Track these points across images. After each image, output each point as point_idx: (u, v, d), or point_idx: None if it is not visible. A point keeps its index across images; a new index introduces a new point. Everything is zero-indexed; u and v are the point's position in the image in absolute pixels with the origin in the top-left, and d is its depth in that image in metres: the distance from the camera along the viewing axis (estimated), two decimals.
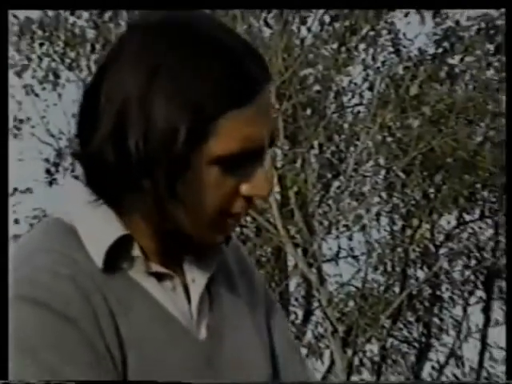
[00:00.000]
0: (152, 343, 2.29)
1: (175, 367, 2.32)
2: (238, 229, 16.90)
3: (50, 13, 19.10)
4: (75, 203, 2.35)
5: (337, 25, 18.31)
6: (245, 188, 2.27)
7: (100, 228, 2.27)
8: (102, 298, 2.24)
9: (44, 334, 2.16)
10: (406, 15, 18.34)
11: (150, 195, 2.23)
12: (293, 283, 19.32)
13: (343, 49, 18.35)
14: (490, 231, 19.20)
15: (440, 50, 18.79)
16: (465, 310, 19.59)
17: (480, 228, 19.19)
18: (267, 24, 18.20)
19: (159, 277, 2.35)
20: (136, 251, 2.32)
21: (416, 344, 19.69)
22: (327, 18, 18.48)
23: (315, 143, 18.27)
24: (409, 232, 18.58)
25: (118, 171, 2.22)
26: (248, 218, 17.96)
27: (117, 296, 2.28)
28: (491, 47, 18.65)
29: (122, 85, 2.19)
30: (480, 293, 19.53)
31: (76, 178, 2.36)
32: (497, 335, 19.71)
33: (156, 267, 2.34)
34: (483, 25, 18.81)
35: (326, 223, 18.46)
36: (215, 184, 2.24)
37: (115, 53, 2.26)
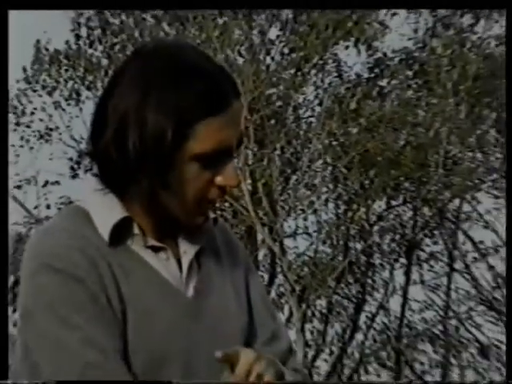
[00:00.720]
0: (147, 299, 2.25)
1: (167, 319, 2.27)
2: (218, 212, 16.85)
3: (74, 46, 18.95)
4: (88, 192, 2.33)
5: (294, 55, 18.22)
6: (218, 179, 2.24)
7: (107, 211, 2.26)
8: (107, 264, 2.22)
9: (59, 292, 2.17)
10: (347, 48, 18.31)
11: (145, 186, 2.21)
12: (261, 254, 19.08)
13: (299, 73, 18.21)
14: (410, 213, 19.22)
15: (372, 75, 18.69)
16: (391, 273, 19.36)
17: (403, 211, 19.07)
18: (240, 54, 18.10)
19: (155, 249, 2.30)
20: (135, 229, 2.28)
21: (354, 299, 19.53)
22: (286, 50, 18.42)
23: (278, 146, 18.12)
24: (349, 214, 18.40)
25: (120, 166, 2.21)
26: (226, 204, 17.84)
27: (119, 263, 2.24)
28: (410, 73, 18.64)
29: (123, 100, 2.19)
30: (402, 260, 19.40)
31: (94, 174, 2.33)
32: (414, 292, 19.65)
33: (152, 242, 2.30)
34: (404, 56, 18.78)
35: (286, 208, 18.33)
36: (195, 177, 2.22)
37: (119, 75, 2.27)
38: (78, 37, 19.11)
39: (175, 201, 2.26)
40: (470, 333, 19.93)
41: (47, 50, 19.09)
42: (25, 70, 19.20)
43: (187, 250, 2.35)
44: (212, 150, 2.23)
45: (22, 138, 19.56)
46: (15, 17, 22.51)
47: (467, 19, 19.01)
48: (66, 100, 18.90)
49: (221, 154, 2.25)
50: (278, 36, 18.50)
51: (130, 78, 2.25)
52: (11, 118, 19.43)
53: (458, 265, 19.70)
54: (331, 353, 19.24)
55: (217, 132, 2.22)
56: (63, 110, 19.04)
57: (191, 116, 2.20)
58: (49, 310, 2.20)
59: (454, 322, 20.01)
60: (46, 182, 19.24)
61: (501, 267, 19.34)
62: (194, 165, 2.24)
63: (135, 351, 2.22)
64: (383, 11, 18.45)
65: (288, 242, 18.68)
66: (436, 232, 19.52)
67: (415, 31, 19.07)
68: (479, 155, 18.75)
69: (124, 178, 2.26)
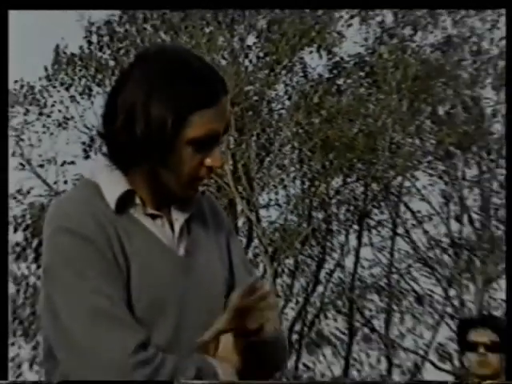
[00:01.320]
0: (146, 257, 2.22)
1: (163, 273, 2.24)
2: (205, 187, 16.86)
3: (86, 50, 18.98)
4: (98, 169, 2.31)
5: (267, 58, 18.24)
6: (207, 161, 2.23)
7: (113, 184, 2.25)
8: (113, 228, 2.20)
9: (73, 250, 2.16)
10: (311, 53, 18.40)
11: (148, 164, 2.21)
12: (240, 222, 19.16)
13: (272, 74, 18.24)
14: (362, 188, 19.25)
15: (331, 75, 18.73)
16: (346, 237, 19.54)
17: (356, 186, 19.17)
18: (223, 57, 18.10)
19: (153, 217, 2.28)
20: (137, 200, 2.26)
21: (316, 259, 19.64)
22: (261, 54, 18.42)
23: (254, 133, 18.18)
24: (313, 189, 18.48)
25: (127, 147, 2.20)
26: (212, 181, 17.85)
27: (123, 227, 2.22)
28: (362, 74, 18.71)
29: (131, 95, 2.18)
30: (355, 227, 19.51)
31: (103, 154, 2.32)
32: (365, 252, 19.79)
33: (150, 210, 2.27)
34: (357, 60, 18.86)
35: (261, 184, 18.39)
36: (189, 158, 2.21)
37: (126, 75, 2.26)
38: (89, 43, 19.09)
39: (172, 177, 2.24)
40: (409, 285, 20.06)
41: (65, 53, 19.07)
42: (46, 69, 19.17)
43: (179, 218, 2.32)
44: (203, 136, 2.21)
45: (43, 126, 19.54)
46: (35, 21, 22.23)
47: (408, 30, 19.09)
48: (80, 94, 18.91)
49: (210, 140, 2.23)
50: (254, 43, 18.56)
51: (136, 77, 2.23)
52: (35, 109, 19.48)
53: (400, 230, 19.82)
54: (297, 302, 19.34)
55: (208, 122, 2.21)
56: (78, 102, 19.03)
57: (187, 108, 2.19)
58: (65, 265, 2.18)
59: (396, 276, 20.12)
60: (64, 162, 19.29)
61: (433, 231, 19.51)
62: (188, 148, 2.21)
63: (138, 299, 2.19)
64: (340, 23, 18.52)
65: (262, 212, 18.73)
66: (382, 204, 19.62)
67: (366, 40, 19.17)
68: (417, 141, 18.85)
69: (130, 158, 2.23)
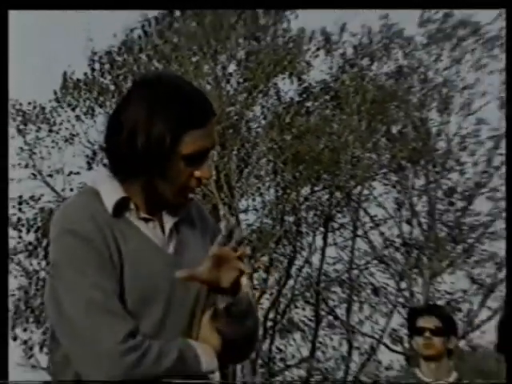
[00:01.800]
0: (139, 255, 2.21)
1: (153, 269, 2.22)
2: (193, 194, 16.82)
3: (90, 76, 18.99)
4: (99, 178, 2.29)
5: (246, 84, 18.25)
6: (197, 173, 2.21)
7: (111, 192, 2.24)
8: (110, 230, 2.19)
9: (75, 249, 2.15)
10: (283, 79, 18.48)
11: (146, 175, 2.19)
12: (222, 225, 19.10)
13: (250, 97, 18.25)
14: (327, 196, 19.19)
15: (301, 99, 18.75)
16: (313, 238, 19.47)
17: (322, 194, 19.15)
18: (208, 83, 18.09)
19: (146, 220, 2.25)
20: (132, 205, 2.23)
21: (288, 256, 19.45)
22: (241, 80, 18.43)
23: (235, 148, 18.20)
24: (285, 196, 18.51)
25: (128, 160, 2.19)
26: (198, 189, 17.79)
27: (119, 229, 2.21)
28: (327, 97, 18.75)
29: (133, 114, 2.17)
30: (322, 229, 19.48)
31: (104, 165, 2.32)
32: (329, 251, 19.83)
33: (143, 215, 2.25)
34: (323, 85, 18.90)
35: (240, 192, 18.40)
36: (182, 171, 2.20)
37: (127, 97, 2.25)
38: (93, 70, 19.07)
39: (167, 187, 2.22)
40: (367, 279, 20.08)
41: (71, 79, 19.06)
42: (55, 93, 19.19)
43: (169, 221, 2.29)
44: (195, 152, 2.20)
45: (53, 141, 19.53)
46: (46, 50, 22.02)
47: (366, 61, 19.15)
48: (84, 114, 18.91)
49: (200, 155, 2.21)
50: (234, 70, 18.55)
51: (137, 99, 2.22)
52: (45, 127, 19.51)
53: (360, 232, 19.80)
54: (271, 294, 19.28)
55: (199, 140, 2.20)
56: (82, 121, 19.02)
57: (182, 129, 2.18)
58: (68, 263, 2.17)
59: (356, 271, 20.12)
60: (70, 172, 19.27)
61: (388, 233, 19.53)
62: (181, 162, 2.19)
63: (130, 293, 2.17)
64: (308, 54, 18.58)
65: (241, 216, 18.69)
66: (344, 209, 19.62)
67: (330, 68, 19.23)
68: (374, 156, 18.89)
69: (130, 169, 2.21)
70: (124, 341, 2.09)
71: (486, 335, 18.47)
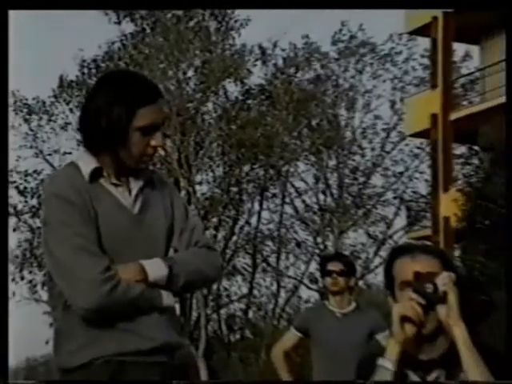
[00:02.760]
0: (111, 214, 2.14)
1: (121, 224, 2.15)
2: (159, 170, 16.75)
3: (80, 78, 18.82)
4: (79, 154, 2.25)
5: (201, 85, 18.26)
6: (152, 142, 2.15)
7: (87, 163, 2.18)
8: (88, 193, 2.14)
9: (60, 208, 2.12)
10: (229, 82, 18.49)
11: (111, 147, 2.14)
12: (182, 193, 19.03)
13: (204, 96, 18.21)
14: (262, 172, 19.10)
15: (243, 97, 18.73)
16: (252, 204, 19.51)
17: (259, 171, 19.04)
18: (173, 84, 17.99)
19: (116, 185, 2.18)
20: (104, 173, 2.17)
21: (232, 218, 19.38)
22: (198, 83, 18.38)
23: (192, 135, 17.97)
24: (231, 172, 18.60)
25: (96, 136, 2.14)
26: (163, 166, 17.72)
27: (95, 193, 2.16)
28: (263, 97, 18.77)
29: (96, 101, 2.14)
30: (258, 197, 19.53)
31: (82, 144, 2.25)
32: (264, 214, 19.94)
33: (114, 181, 2.18)
34: (260, 88, 18.95)
35: (196, 168, 18.33)
36: (139, 141, 2.13)
37: (92, 91, 2.22)
38: (83, 73, 18.88)
39: (129, 155, 2.15)
40: (292, 235, 20.16)
41: (66, 80, 18.83)
42: (54, 91, 19.00)
43: (135, 186, 2.21)
44: (148, 124, 2.13)
45: (51, 128, 19.37)
46: (47, 60, 21.66)
47: (292, 70, 19.20)
48: (76, 107, 18.56)
49: (153, 127, 2.14)
50: (193, 75, 18.41)
51: (99, 89, 2.18)
52: (45, 117, 19.30)
53: (287, 200, 19.76)
54: (220, 247, 19.22)
55: (150, 114, 2.13)
56: (74, 113, 18.62)
57: (136, 105, 2.12)
58: (55, 219, 2.12)
59: (284, 229, 20.17)
60: (65, 152, 19.19)
61: (308, 201, 19.64)
62: (138, 134, 2.13)
63: (104, 241, 2.12)
64: (249, 63, 18.56)
65: (197, 187, 18.63)
66: (276, 182, 19.62)
67: (266, 75, 19.27)
68: (298, 142, 18.93)
69: (98, 143, 2.15)
70: (103, 272, 2.05)
71: (378, 276, 18.87)
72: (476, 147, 15.32)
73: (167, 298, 2.14)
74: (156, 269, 2.11)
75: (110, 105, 2.13)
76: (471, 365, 2.07)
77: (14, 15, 2.78)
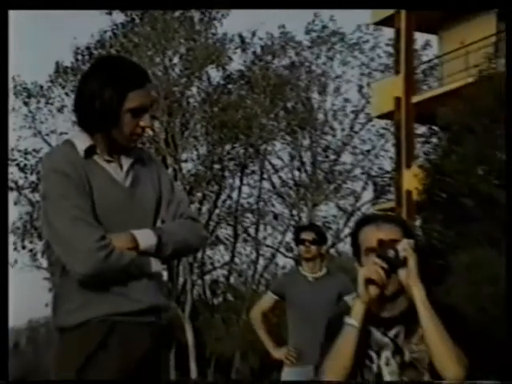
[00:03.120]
0: (104, 188, 2.13)
1: (114, 197, 2.14)
2: (147, 149, 16.67)
3: (75, 64, 18.64)
4: (75, 133, 2.21)
5: (186, 71, 18.12)
6: (141, 123, 2.12)
7: (82, 141, 2.15)
8: (83, 169, 2.12)
9: (58, 182, 2.10)
10: (212, 68, 18.40)
11: (104, 126, 2.12)
12: (169, 170, 18.93)
13: (189, 80, 18.11)
14: (243, 151, 18.99)
15: (225, 82, 18.63)
16: (233, 180, 19.45)
17: (239, 150, 19.02)
18: (160, 70, 17.82)
19: (109, 162, 2.16)
20: (98, 151, 2.15)
21: (215, 193, 19.31)
22: (183, 68, 18.25)
23: (178, 116, 17.88)
24: (214, 151, 18.55)
25: (90, 117, 2.12)
26: (152, 145, 17.59)
27: (89, 168, 2.14)
28: (243, 82, 18.59)
29: (90, 85, 2.11)
30: (239, 174, 19.52)
31: (78, 124, 2.21)
32: (244, 189, 19.85)
33: (107, 157, 2.16)
34: (240, 73, 18.81)
35: (182, 147, 18.22)
36: (129, 122, 2.11)
37: (85, 75, 2.19)
38: (77, 60, 18.67)
39: (120, 134, 2.13)
40: (269, 208, 20.19)
41: (62, 66, 18.67)
42: (50, 76, 18.85)
43: (126, 162, 2.20)
44: (138, 107, 2.11)
45: (49, 110, 19.17)
46: (45, 46, 21.55)
47: (269, 57, 19.06)
48: (71, 91, 18.33)
49: (142, 109, 2.13)
50: (178, 61, 18.22)
51: (92, 74, 2.16)
52: (43, 100, 19.09)
53: (265, 176, 19.79)
54: (204, 219, 19.23)
55: (139, 97, 2.12)
56: (69, 96, 18.38)
57: (126, 89, 2.10)
58: (54, 191, 2.10)
59: (262, 203, 20.18)
60: (61, 133, 18.81)
61: (284, 177, 19.64)
62: (128, 115, 2.11)
63: (98, 213, 2.11)
64: (230, 51, 18.44)
65: (183, 164, 18.56)
66: (255, 160, 19.59)
67: (245, 61, 19.11)
68: (275, 123, 18.85)
69: (92, 123, 2.13)
70: (98, 241, 2.04)
71: (347, 245, 18.88)
72: (435, 127, 15.42)
73: (155, 265, 2.13)
74: (146, 238, 2.11)
75: (103, 89, 2.10)
76: (428, 321, 2.10)
77: (13, 15, 2.68)
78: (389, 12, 16.39)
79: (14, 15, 3.07)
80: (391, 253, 2.12)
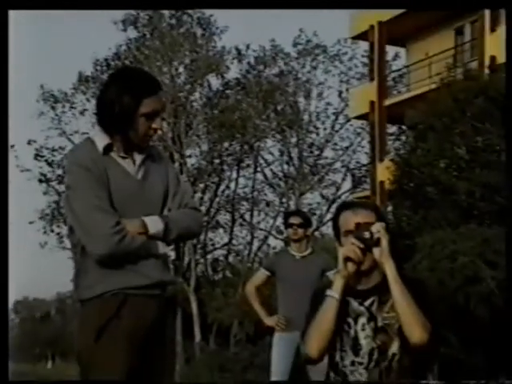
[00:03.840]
0: (119, 180, 2.10)
1: (128, 188, 2.12)
2: (157, 146, 16.57)
3: (95, 74, 18.51)
4: (95, 132, 2.19)
5: (190, 79, 18.03)
6: (154, 126, 2.11)
7: (101, 140, 2.13)
8: (102, 164, 2.10)
9: (80, 175, 2.08)
10: (212, 76, 18.39)
11: (122, 128, 2.10)
12: (176, 165, 18.85)
13: (192, 87, 18.03)
14: (239, 147, 18.84)
15: (223, 88, 18.49)
16: (231, 172, 19.33)
17: (236, 147, 18.87)
18: (167, 78, 17.70)
19: (124, 158, 2.14)
20: (114, 148, 2.13)
21: (215, 183, 19.14)
22: (187, 77, 18.14)
23: (183, 118, 17.76)
24: (214, 147, 18.46)
25: (110, 120, 2.10)
26: (160, 143, 17.51)
27: (107, 163, 2.11)
28: (239, 88, 18.60)
29: (110, 93, 2.09)
30: (236, 167, 19.39)
31: (98, 124, 2.19)
32: (241, 180, 19.77)
33: (122, 154, 2.14)
34: (236, 81, 18.74)
35: (187, 144, 18.11)
36: (143, 124, 2.10)
37: (105, 84, 2.16)
38: (96, 70, 18.53)
39: (135, 135, 2.12)
40: (262, 196, 20.10)
41: (84, 75, 18.56)
42: (74, 84, 18.75)
43: (138, 158, 2.18)
44: (151, 111, 2.10)
45: (72, 114, 19.02)
46: (69, 58, 21.48)
47: (261, 66, 18.96)
48: (92, 97, 18.25)
49: (154, 114, 2.11)
50: (183, 70, 18.10)
51: (111, 84, 2.14)
52: (67, 105, 19.00)
53: (258, 169, 19.65)
54: (205, 207, 19.17)
55: (152, 103, 2.10)
56: (90, 102, 18.27)
57: (142, 96, 2.09)
58: (76, 183, 2.09)
59: (256, 192, 20.09)
60: (83, 133, 18.53)
61: (275, 169, 19.56)
62: (142, 118, 2.10)
63: (114, 201, 2.10)
64: (228, 61, 18.32)
65: (187, 159, 18.40)
66: (250, 155, 19.51)
67: (241, 70, 18.94)
68: (267, 123, 18.64)
69: (112, 125, 2.11)
70: (114, 226, 2.05)
71: (329, 228, 18.89)
72: (403, 127, 15.44)
73: (162, 248, 2.14)
74: (155, 224, 2.11)
75: (121, 96, 2.10)
76: (398, 292, 2.11)
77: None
78: (364, 27, 16.54)
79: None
80: (366, 234, 2.13)
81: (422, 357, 2.07)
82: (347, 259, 2.14)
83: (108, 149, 2.14)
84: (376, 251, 2.13)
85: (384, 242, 2.13)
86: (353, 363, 2.11)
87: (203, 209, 18.53)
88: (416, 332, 2.02)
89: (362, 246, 2.13)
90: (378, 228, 2.13)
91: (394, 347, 2.08)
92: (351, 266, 2.14)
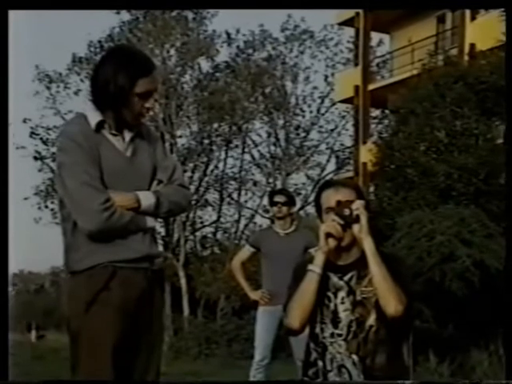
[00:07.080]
0: (109, 156, 2.08)
1: (118, 163, 2.10)
2: (149, 125, 16.42)
3: (89, 55, 18.26)
4: (87, 108, 2.14)
5: (181, 62, 17.85)
6: (146, 105, 2.08)
7: (94, 116, 2.11)
8: (94, 140, 2.08)
9: (72, 151, 2.05)
10: (203, 60, 18.21)
11: (115, 106, 2.07)
12: (166, 145, 18.74)
13: (183, 69, 17.78)
14: (227, 129, 18.63)
15: (213, 71, 18.30)
16: (219, 153, 19.16)
17: (225, 128, 18.61)
18: (158, 60, 17.48)
19: (114, 135, 2.12)
20: (106, 125, 2.10)
21: (204, 163, 19.03)
22: (178, 59, 17.96)
23: (174, 99, 17.56)
24: (203, 128, 18.38)
25: (104, 98, 2.07)
26: (152, 123, 17.38)
27: (98, 139, 2.09)
28: (228, 71, 18.45)
29: (105, 72, 2.06)
30: (224, 148, 19.25)
31: (91, 101, 2.15)
32: (229, 161, 19.64)
33: (113, 131, 2.11)
34: (226, 64, 18.70)
35: (177, 125, 17.99)
36: (136, 103, 2.07)
37: (100, 62, 2.14)
38: (90, 51, 18.22)
39: (128, 113, 2.09)
40: (250, 176, 20.01)
41: (77, 56, 18.36)
42: (68, 65, 18.49)
43: (128, 136, 2.15)
44: (144, 91, 2.08)
45: (66, 94, 18.79)
46: (62, 40, 21.11)
47: (250, 50, 18.81)
48: (85, 77, 17.95)
49: (147, 93, 2.09)
50: (174, 53, 17.82)
51: (106, 62, 2.10)
52: (62, 85, 18.66)
53: (246, 150, 19.61)
54: (195, 185, 19.10)
55: (146, 83, 2.08)
56: (84, 82, 18.02)
57: (135, 76, 2.06)
58: (68, 159, 2.07)
59: (243, 172, 20.04)
60: (77, 112, 18.38)
61: (262, 151, 19.49)
62: (136, 98, 2.08)
63: (104, 177, 2.08)
64: (218, 45, 18.13)
65: (178, 140, 18.22)
66: (238, 136, 19.42)
67: (230, 54, 18.66)
68: (254, 105, 18.48)
69: (106, 104, 2.09)
70: (104, 202, 2.04)
71: (313, 208, 18.78)
72: (386, 111, 15.45)
73: (150, 222, 2.14)
74: (147, 198, 2.12)
75: (116, 75, 2.08)
76: (375, 268, 2.12)
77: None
78: (350, 14, 16.47)
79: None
80: (347, 211, 2.14)
81: (398, 328, 2.08)
82: (328, 235, 2.15)
83: (100, 126, 2.12)
84: (355, 228, 2.14)
85: (363, 219, 2.14)
86: (332, 335, 2.13)
87: (193, 188, 18.47)
88: (391, 304, 2.03)
89: (342, 222, 2.14)
90: (357, 206, 2.14)
91: (371, 319, 2.10)
92: (332, 242, 2.15)
